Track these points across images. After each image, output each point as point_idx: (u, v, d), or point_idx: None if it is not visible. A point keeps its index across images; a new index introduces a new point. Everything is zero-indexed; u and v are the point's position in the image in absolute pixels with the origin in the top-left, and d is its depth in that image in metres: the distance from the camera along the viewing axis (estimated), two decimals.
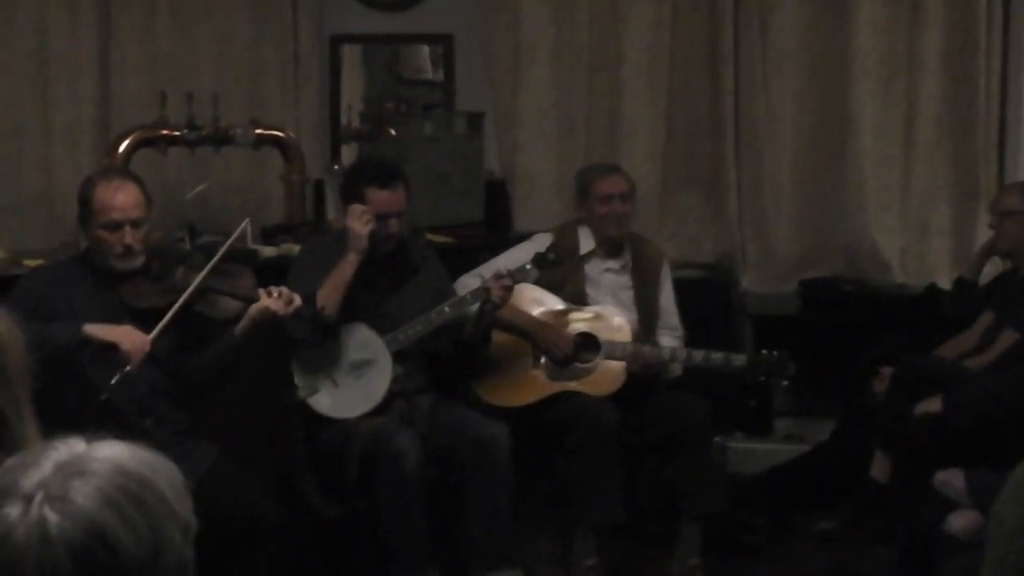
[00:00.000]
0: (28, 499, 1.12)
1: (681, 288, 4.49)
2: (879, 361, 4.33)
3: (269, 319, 3.37)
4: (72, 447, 1.18)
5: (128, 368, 3.18)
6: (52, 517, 1.11)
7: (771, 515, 4.34)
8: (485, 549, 3.69)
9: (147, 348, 3.23)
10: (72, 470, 1.15)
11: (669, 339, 4.24)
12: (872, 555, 4.02)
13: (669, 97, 5.16)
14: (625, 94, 5.13)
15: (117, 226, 3.32)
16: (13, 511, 1.12)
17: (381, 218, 3.80)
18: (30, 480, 1.14)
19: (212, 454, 3.43)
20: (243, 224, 3.59)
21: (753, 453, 4.68)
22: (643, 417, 4.06)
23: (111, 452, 1.18)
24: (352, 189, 3.87)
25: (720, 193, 5.17)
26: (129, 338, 3.22)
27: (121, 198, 3.34)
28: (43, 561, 1.10)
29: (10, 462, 1.19)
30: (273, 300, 3.35)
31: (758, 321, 4.81)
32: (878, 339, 4.50)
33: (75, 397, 3.18)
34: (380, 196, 3.81)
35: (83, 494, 1.13)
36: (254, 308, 3.36)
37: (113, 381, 3.14)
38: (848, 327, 4.78)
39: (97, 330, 3.23)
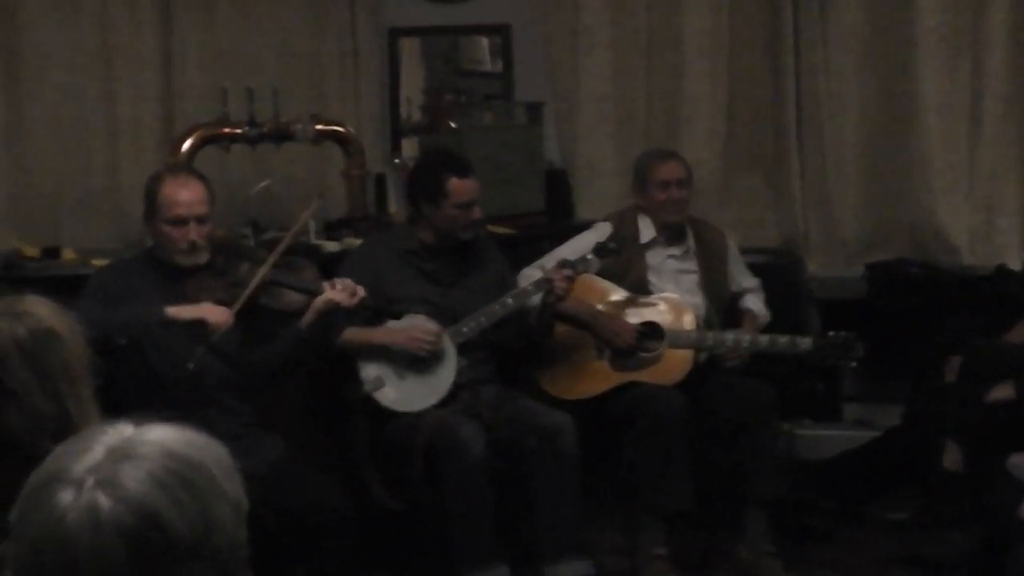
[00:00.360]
0: (79, 484, 1.13)
1: None
2: (947, 345, 4.26)
3: (334, 311, 3.39)
4: (121, 431, 1.19)
5: (204, 350, 3.25)
6: (103, 501, 1.11)
7: (841, 501, 4.30)
8: (552, 540, 3.68)
9: (231, 320, 3.30)
10: (122, 454, 1.15)
11: (754, 300, 4.27)
12: (945, 542, 3.96)
13: (730, 80, 5.10)
14: (685, 78, 5.09)
15: (182, 222, 3.37)
16: (65, 496, 1.12)
17: (465, 206, 3.84)
18: (81, 465, 1.14)
19: (278, 446, 3.46)
20: (313, 205, 3.59)
21: (821, 439, 4.63)
22: (708, 403, 4.02)
23: (159, 435, 1.19)
24: (432, 183, 3.87)
25: (783, 176, 5.11)
26: (213, 311, 3.30)
27: (186, 194, 3.38)
28: (96, 545, 1.10)
29: (60, 448, 1.19)
30: (337, 292, 3.37)
31: (824, 305, 4.75)
32: (946, 322, 4.42)
33: (150, 378, 3.27)
34: (462, 185, 3.85)
35: (133, 478, 1.13)
36: (319, 300, 3.38)
37: (190, 366, 3.21)
38: (915, 310, 4.70)
39: (179, 310, 3.30)
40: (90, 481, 1.13)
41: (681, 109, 5.11)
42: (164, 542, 1.11)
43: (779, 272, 5.07)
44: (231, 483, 1.20)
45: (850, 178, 5.06)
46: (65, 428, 1.89)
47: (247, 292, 3.34)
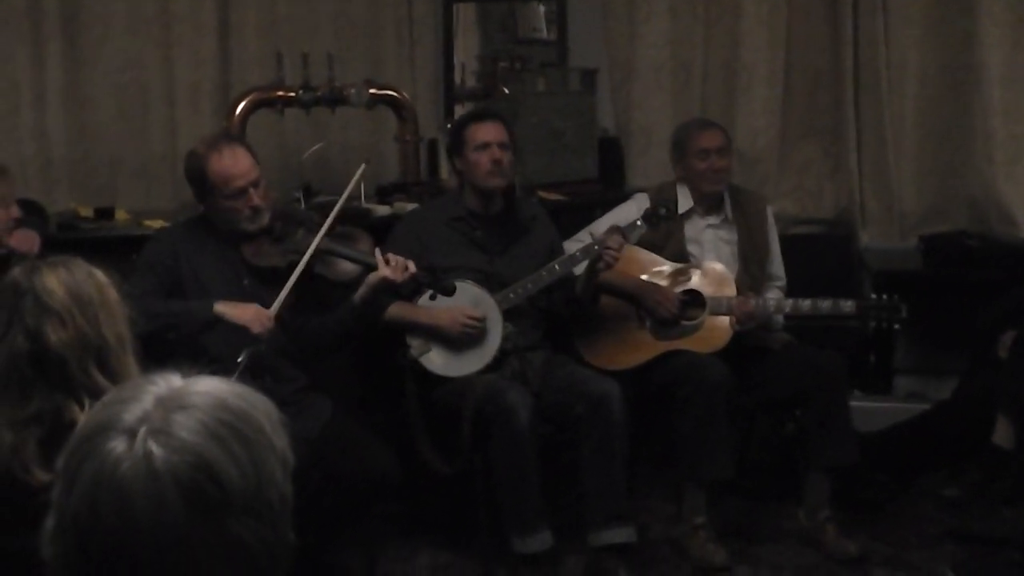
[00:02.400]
0: (132, 433, 1.10)
1: (799, 244, 4.40)
2: (1003, 319, 4.19)
3: (387, 287, 3.39)
4: (170, 381, 1.17)
5: (255, 347, 3.23)
6: (158, 451, 1.09)
7: (893, 473, 4.25)
8: (598, 506, 3.67)
9: (272, 325, 3.28)
10: (174, 404, 1.13)
11: (772, 291, 4.18)
12: (997, 518, 3.91)
13: (788, 48, 5.03)
14: (743, 46, 5.02)
15: (242, 192, 3.36)
16: (118, 445, 1.10)
17: (483, 146, 3.85)
18: (132, 414, 1.12)
19: (329, 410, 3.47)
20: (359, 170, 3.58)
21: (873, 411, 4.57)
22: (760, 374, 3.99)
23: (210, 386, 1.17)
24: (456, 136, 3.95)
25: (840, 146, 5.04)
26: (257, 319, 3.28)
27: (238, 165, 3.37)
28: (151, 495, 1.08)
29: (108, 396, 1.18)
30: (391, 269, 3.35)
31: (879, 277, 4.68)
32: (1003, 296, 4.34)
33: (202, 354, 3.25)
34: (481, 128, 3.89)
35: (187, 427, 1.11)
36: (373, 276, 3.37)
37: (240, 359, 3.18)
38: (972, 283, 4.63)
39: (227, 309, 3.30)
40: (143, 430, 1.10)
41: (738, 78, 5.05)
42: (219, 494, 1.09)
43: (834, 243, 5.02)
44: (280, 437, 1.18)
45: (908, 149, 4.99)
46: (106, 358, 1.95)
47: (300, 267, 3.31)
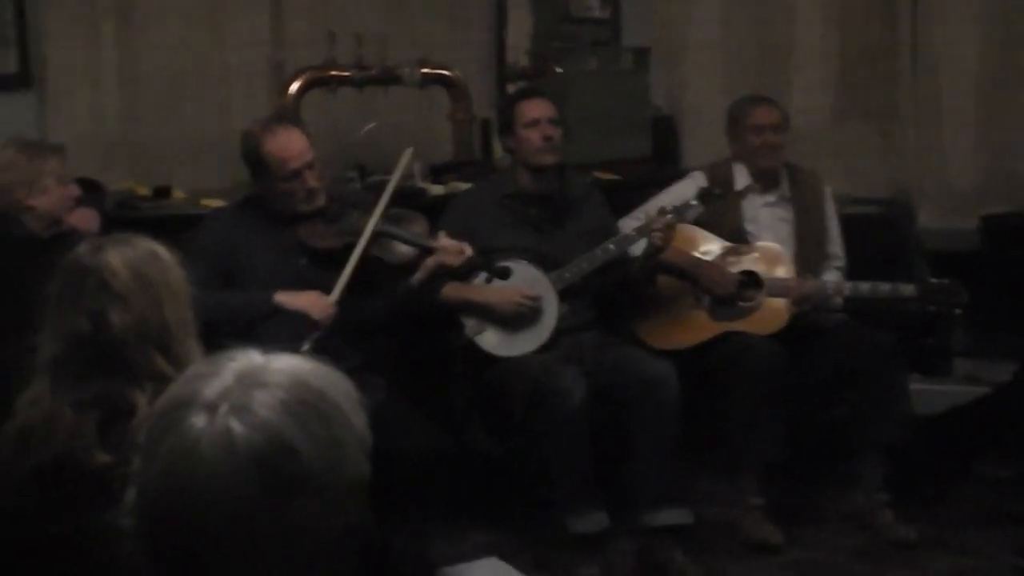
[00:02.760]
0: (212, 409, 1.11)
1: (854, 225, 4.34)
2: None
3: (444, 271, 3.38)
4: (250, 358, 1.17)
5: (318, 334, 3.23)
6: (237, 427, 1.09)
7: (949, 456, 4.20)
8: (651, 488, 3.65)
9: (333, 312, 3.28)
10: (253, 380, 1.13)
11: (831, 271, 4.13)
12: None
13: (842, 24, 4.97)
14: (796, 23, 4.98)
15: (297, 174, 3.36)
16: (198, 420, 1.10)
17: (533, 123, 3.84)
18: (212, 389, 1.12)
19: (382, 389, 3.47)
20: (406, 154, 3.57)
21: (931, 394, 4.51)
22: (812, 354, 3.96)
23: (289, 364, 1.17)
24: (505, 114, 3.97)
25: (896, 124, 4.98)
26: (317, 305, 3.28)
27: (293, 146, 3.37)
28: (230, 472, 1.08)
29: (189, 371, 1.17)
30: (448, 253, 3.34)
31: (936, 259, 4.62)
32: None
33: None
34: (529, 105, 3.89)
35: (266, 405, 1.11)
36: (431, 260, 3.36)
37: (304, 348, 3.17)
38: None
39: (287, 299, 3.30)
40: (224, 406, 1.11)
41: (791, 56, 5.00)
42: (296, 473, 1.09)
43: (889, 223, 4.96)
44: (357, 417, 1.18)
45: (966, 126, 4.92)
46: (168, 343, 1.95)
47: (357, 252, 3.31)
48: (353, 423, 1.16)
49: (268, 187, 3.42)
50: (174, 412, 1.13)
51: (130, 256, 2.00)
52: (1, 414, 2.93)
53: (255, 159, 3.40)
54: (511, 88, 5.14)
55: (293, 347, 3.10)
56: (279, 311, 3.30)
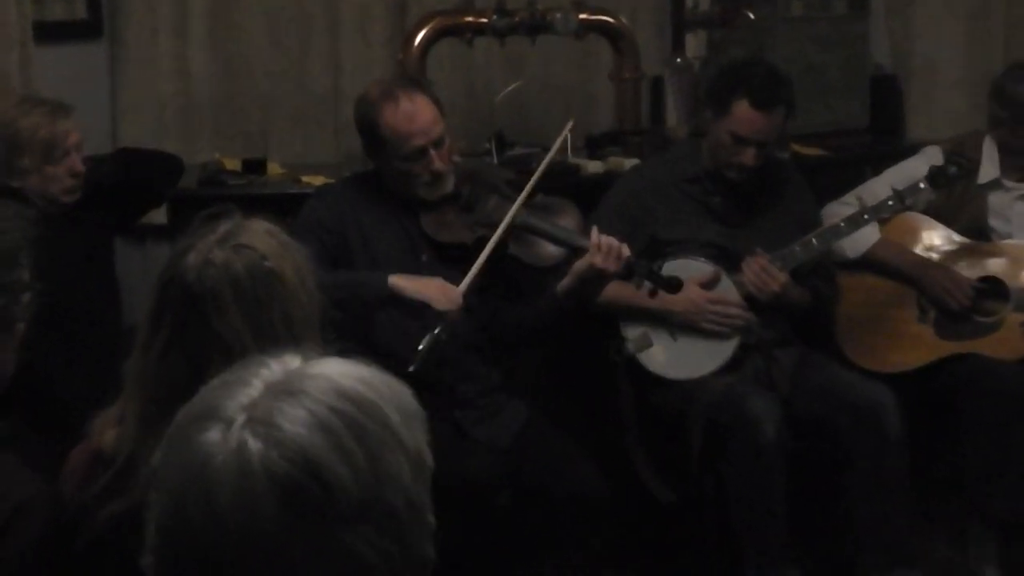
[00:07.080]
0: (229, 423, 1.14)
1: None
2: None
3: (596, 276, 3.37)
4: (286, 363, 1.20)
5: (438, 331, 3.25)
6: (254, 444, 1.12)
7: None
8: (875, 545, 3.66)
9: (461, 304, 3.32)
10: (282, 389, 1.16)
11: None
12: None
13: None
14: None
15: (422, 153, 3.42)
16: (212, 436, 1.14)
17: (741, 140, 3.78)
18: (235, 401, 1.16)
19: (523, 415, 3.53)
20: (566, 129, 3.61)
21: None
22: None
23: (330, 369, 1.20)
24: (723, 93, 3.84)
25: None
26: (442, 293, 3.32)
27: (417, 120, 3.41)
28: (241, 495, 1.11)
29: (215, 381, 1.21)
30: (602, 255, 3.32)
31: None
32: None
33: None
34: (748, 115, 3.78)
35: (291, 418, 1.14)
36: (580, 264, 3.36)
37: (422, 347, 3.22)
38: None
39: (404, 284, 3.35)
40: (241, 420, 1.14)
41: None
42: (324, 497, 1.12)
43: None
44: (411, 431, 1.20)
45: None
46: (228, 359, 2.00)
47: (493, 241, 3.36)
48: (404, 439, 1.19)
49: (386, 165, 3.50)
50: (188, 428, 1.17)
51: (238, 272, 2.01)
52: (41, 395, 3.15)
53: (371, 131, 3.47)
54: (691, 39, 5.15)
55: (406, 348, 3.18)
56: (394, 299, 3.34)
